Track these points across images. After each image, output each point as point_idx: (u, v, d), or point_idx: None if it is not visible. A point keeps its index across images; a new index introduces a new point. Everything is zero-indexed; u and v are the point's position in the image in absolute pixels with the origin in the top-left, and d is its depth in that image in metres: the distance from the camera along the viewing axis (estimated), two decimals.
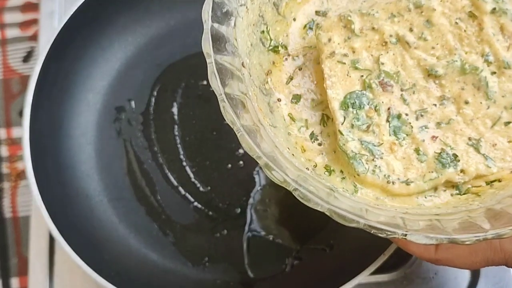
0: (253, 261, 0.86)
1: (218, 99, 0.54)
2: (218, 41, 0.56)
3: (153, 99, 0.95)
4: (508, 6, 0.60)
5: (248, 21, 0.63)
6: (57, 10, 1.06)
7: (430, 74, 0.61)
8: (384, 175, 0.58)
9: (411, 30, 0.61)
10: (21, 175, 1.04)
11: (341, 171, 0.61)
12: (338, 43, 0.61)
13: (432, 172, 0.58)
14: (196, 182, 0.90)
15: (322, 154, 0.63)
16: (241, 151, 0.91)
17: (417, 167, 0.59)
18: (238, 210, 0.89)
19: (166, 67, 0.98)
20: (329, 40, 0.61)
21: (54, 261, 0.91)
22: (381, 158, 0.59)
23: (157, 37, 1.00)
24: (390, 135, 0.59)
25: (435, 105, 0.60)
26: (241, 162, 0.91)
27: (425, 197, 0.61)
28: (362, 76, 0.60)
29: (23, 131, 0.82)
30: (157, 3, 0.99)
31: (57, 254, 0.91)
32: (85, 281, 0.88)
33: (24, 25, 1.14)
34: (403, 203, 0.61)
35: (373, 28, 0.61)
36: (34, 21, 1.13)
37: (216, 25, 0.57)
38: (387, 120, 0.60)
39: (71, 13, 0.89)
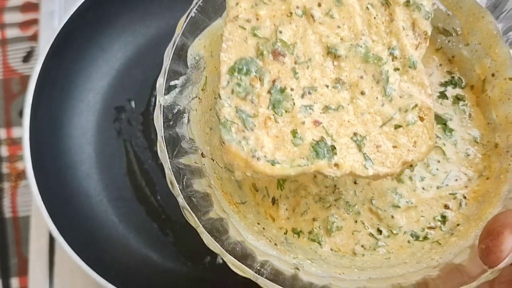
0: None
1: (180, 205, 0.58)
2: (173, 143, 0.57)
3: (153, 99, 0.95)
4: (424, 2, 0.56)
5: (203, 109, 0.62)
6: (57, 10, 1.06)
7: (330, 52, 0.56)
8: (251, 149, 0.54)
9: (319, 5, 0.56)
10: (21, 175, 1.04)
11: (309, 232, 0.64)
12: (245, 9, 0.57)
13: (303, 158, 0.54)
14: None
15: (288, 218, 0.64)
16: None
17: (289, 149, 0.54)
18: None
19: None
20: (237, 4, 0.57)
21: (54, 261, 0.92)
22: (252, 130, 0.54)
23: (157, 37, 1.00)
24: (268, 108, 0.55)
25: (327, 86, 0.56)
26: None
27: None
28: (258, 43, 0.56)
29: (23, 131, 0.82)
30: (157, 4, 0.99)
31: (57, 254, 0.92)
32: (85, 281, 0.88)
33: (24, 25, 1.14)
34: (373, 262, 0.61)
35: None
36: (34, 21, 1.13)
37: (169, 131, 0.58)
38: (269, 92, 0.55)
39: (71, 13, 0.89)
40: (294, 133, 0.54)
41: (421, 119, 0.56)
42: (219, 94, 0.55)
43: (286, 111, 0.55)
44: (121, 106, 0.95)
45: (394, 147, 0.55)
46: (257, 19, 0.56)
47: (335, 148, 0.54)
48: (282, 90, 0.55)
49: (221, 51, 0.56)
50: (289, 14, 0.56)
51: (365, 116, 0.55)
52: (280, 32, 0.56)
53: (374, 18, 0.56)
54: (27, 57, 1.12)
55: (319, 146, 0.54)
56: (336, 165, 0.54)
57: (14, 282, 0.97)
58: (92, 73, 0.96)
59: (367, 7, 0.56)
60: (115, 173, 0.92)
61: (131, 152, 0.93)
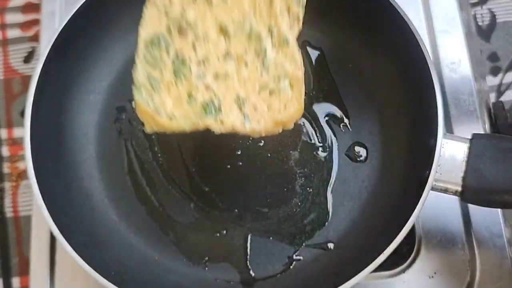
0: (253, 260, 0.86)
1: None
2: None
3: None
4: None
5: None
6: (58, 10, 1.06)
7: (222, 30, 0.71)
8: (156, 108, 0.68)
9: None
10: (22, 175, 1.04)
11: None
12: None
13: (194, 115, 0.68)
14: (196, 181, 0.90)
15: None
16: (240, 151, 0.91)
17: (185, 108, 0.69)
18: (238, 210, 0.89)
19: None
20: None
21: (55, 260, 0.92)
22: (157, 92, 0.69)
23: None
24: (171, 74, 0.70)
25: (219, 58, 0.70)
26: (240, 163, 0.91)
27: None
28: (168, 22, 0.71)
29: (24, 131, 0.82)
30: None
31: (58, 253, 0.92)
32: (86, 281, 0.88)
33: (25, 25, 1.14)
34: None
35: None
36: (35, 22, 1.13)
37: None
38: (173, 62, 0.70)
39: (72, 13, 0.89)
40: (189, 95, 0.69)
41: (292, 87, 0.70)
42: (135, 62, 0.70)
43: (184, 78, 0.70)
44: (122, 106, 0.96)
45: (268, 109, 0.69)
46: (170, 3, 0.72)
47: (221, 108, 0.68)
48: (183, 61, 0.71)
49: (140, 26, 0.73)
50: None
51: (247, 83, 0.70)
52: (185, 11, 0.71)
53: (259, 4, 0.71)
54: (28, 57, 1.12)
55: (208, 106, 0.69)
56: (221, 122, 0.68)
57: (15, 281, 0.97)
58: (93, 73, 0.96)
59: None
60: (116, 173, 0.92)
61: (131, 152, 0.93)
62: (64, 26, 0.88)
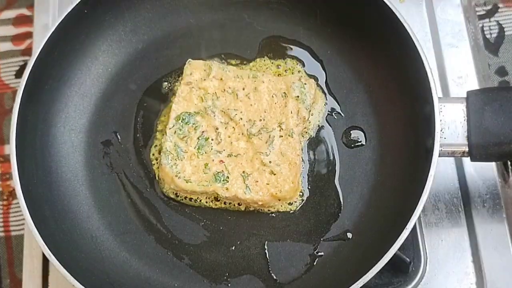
0: (275, 266, 0.84)
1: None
2: None
3: (138, 126, 0.93)
4: (307, 98, 0.89)
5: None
6: (51, 23, 1.03)
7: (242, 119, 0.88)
8: (177, 171, 0.85)
9: (243, 89, 0.89)
10: (13, 193, 1.00)
11: None
12: (196, 80, 0.90)
13: (206, 181, 0.84)
14: (200, 199, 0.87)
15: None
16: None
17: (200, 175, 0.85)
18: (248, 219, 0.87)
19: (144, 91, 0.96)
20: (191, 74, 0.90)
21: (48, 282, 0.90)
22: (181, 160, 0.86)
23: (128, 63, 0.98)
24: (194, 148, 0.86)
25: (231, 142, 0.87)
26: None
27: None
28: (200, 105, 0.89)
29: (14, 183, 0.79)
30: (121, 30, 0.98)
31: (51, 275, 0.90)
32: None
33: (16, 38, 1.10)
34: None
35: (221, 79, 0.90)
36: (28, 34, 1.09)
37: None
38: (198, 138, 0.87)
39: (36, 54, 0.86)
40: (206, 165, 0.86)
41: (290, 170, 0.85)
42: (166, 132, 0.87)
43: (205, 152, 0.86)
44: (107, 140, 0.93)
45: (267, 184, 0.85)
46: (203, 88, 0.90)
47: (228, 178, 0.85)
48: (206, 139, 0.87)
49: (173, 102, 0.89)
50: (223, 90, 0.89)
51: (253, 161, 0.86)
52: (218, 98, 0.89)
53: (275, 103, 0.89)
54: (20, 71, 1.08)
55: (219, 175, 0.85)
56: (226, 189, 0.84)
57: None
58: (70, 112, 0.93)
59: (272, 96, 0.89)
60: (115, 208, 0.89)
61: (127, 184, 0.90)
62: (32, 68, 0.85)
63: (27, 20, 1.11)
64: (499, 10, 1.09)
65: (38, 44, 0.86)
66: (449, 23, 1.02)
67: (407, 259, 0.84)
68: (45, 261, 0.90)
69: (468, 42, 1.00)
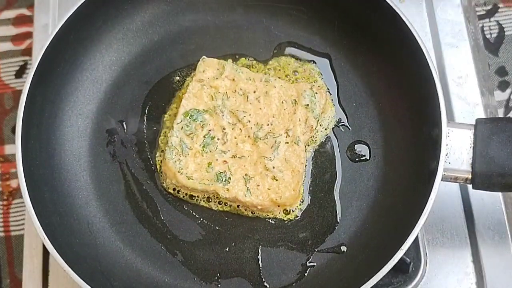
0: (267, 272, 0.84)
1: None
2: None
3: (145, 118, 0.93)
4: (317, 107, 0.88)
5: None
6: (51, 23, 1.03)
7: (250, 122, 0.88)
8: (180, 167, 0.84)
9: (254, 92, 0.89)
10: (13, 193, 1.00)
11: None
12: (208, 78, 0.89)
13: (208, 180, 0.84)
14: (198, 197, 0.87)
15: None
16: None
17: (202, 173, 0.85)
18: (245, 222, 0.87)
19: (154, 83, 0.96)
20: (204, 71, 0.90)
21: (49, 282, 0.90)
22: (185, 156, 0.85)
23: (141, 54, 0.98)
24: (200, 145, 0.86)
25: (237, 143, 0.87)
26: None
27: None
28: (210, 103, 0.88)
29: (18, 166, 0.79)
30: (138, 20, 0.98)
31: (52, 274, 0.90)
32: None
33: (16, 38, 1.10)
34: None
35: (233, 80, 0.89)
36: (28, 34, 1.09)
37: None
38: (204, 136, 0.86)
39: (51, 37, 0.86)
40: (209, 164, 0.85)
41: (292, 177, 0.85)
42: (173, 126, 0.87)
43: (210, 151, 0.86)
44: (112, 128, 0.93)
45: (268, 189, 0.84)
46: (214, 87, 0.89)
47: (230, 179, 0.84)
48: (212, 138, 0.87)
49: (183, 98, 0.89)
50: (234, 91, 0.89)
51: (257, 165, 0.85)
52: (228, 98, 0.89)
53: (284, 109, 0.88)
54: (20, 71, 1.08)
55: (221, 176, 0.84)
56: (227, 189, 0.84)
57: None
58: (79, 97, 0.93)
59: (282, 102, 0.89)
60: (114, 197, 0.89)
61: (128, 175, 0.90)
62: (45, 50, 0.85)
63: (27, 20, 1.11)
64: (499, 10, 1.11)
65: (54, 27, 0.86)
66: (449, 23, 1.02)
67: (407, 259, 0.84)
68: (45, 261, 0.90)
69: (468, 42, 1.01)
